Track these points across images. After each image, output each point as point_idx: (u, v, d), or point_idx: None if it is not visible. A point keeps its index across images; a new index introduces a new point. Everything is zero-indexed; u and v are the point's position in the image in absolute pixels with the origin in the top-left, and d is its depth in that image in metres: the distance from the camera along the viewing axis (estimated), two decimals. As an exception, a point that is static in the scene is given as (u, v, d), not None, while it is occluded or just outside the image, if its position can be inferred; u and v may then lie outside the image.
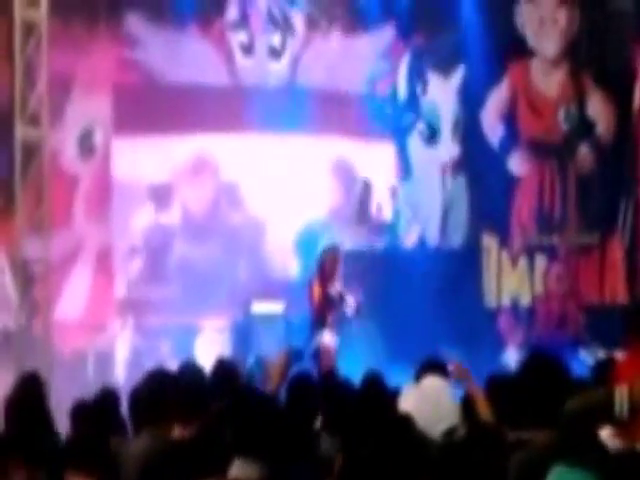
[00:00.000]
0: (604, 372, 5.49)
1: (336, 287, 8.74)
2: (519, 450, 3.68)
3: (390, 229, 10.65)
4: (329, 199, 10.69)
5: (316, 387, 5.67)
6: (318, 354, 8.32)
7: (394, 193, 10.61)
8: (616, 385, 4.18)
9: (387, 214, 10.72)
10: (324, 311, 8.80)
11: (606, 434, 4.08)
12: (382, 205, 10.59)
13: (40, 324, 9.42)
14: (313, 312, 8.86)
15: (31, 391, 6.13)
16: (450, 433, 4.33)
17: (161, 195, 10.15)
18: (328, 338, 8.84)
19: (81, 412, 5.54)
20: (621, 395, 3.97)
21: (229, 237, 10.32)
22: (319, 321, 8.81)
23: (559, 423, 3.68)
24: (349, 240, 10.39)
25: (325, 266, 8.77)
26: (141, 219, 10.14)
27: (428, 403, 4.98)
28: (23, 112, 9.14)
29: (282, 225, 10.23)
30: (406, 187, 10.67)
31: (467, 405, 5.13)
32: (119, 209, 10.07)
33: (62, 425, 5.61)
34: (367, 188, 10.50)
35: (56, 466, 3.94)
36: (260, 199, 10.38)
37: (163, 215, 10.20)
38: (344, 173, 10.59)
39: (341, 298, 8.60)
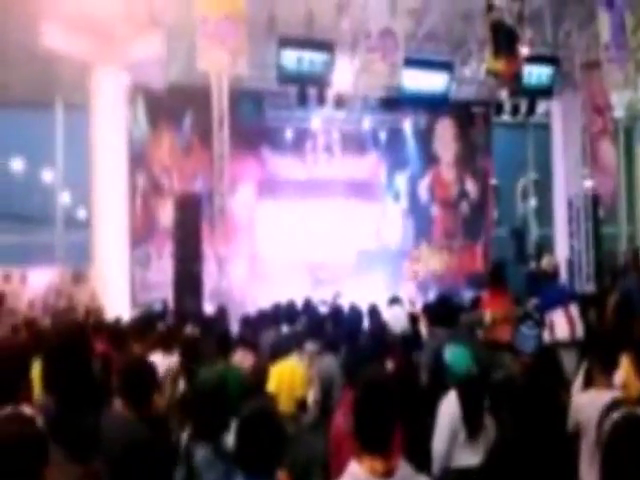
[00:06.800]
0: (476, 303, 6.66)
1: None
2: (432, 339, 4.45)
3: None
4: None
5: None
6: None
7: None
8: (483, 309, 5.78)
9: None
10: None
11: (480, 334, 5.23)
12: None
13: (225, 281, 11.07)
14: None
15: (222, 311, 8.41)
16: (404, 332, 5.82)
17: (277, 228, 13.20)
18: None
19: (247, 319, 7.27)
20: (486, 314, 5.46)
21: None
22: None
23: (456, 326, 4.53)
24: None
25: None
26: (268, 239, 13.25)
27: (395, 318, 7.40)
28: (217, 191, 10.98)
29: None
30: (385, 223, 14.29)
31: (413, 318, 6.98)
32: (260, 234, 13.25)
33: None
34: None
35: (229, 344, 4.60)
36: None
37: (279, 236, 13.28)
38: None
39: None
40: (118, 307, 9.85)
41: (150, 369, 2.86)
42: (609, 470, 1.71)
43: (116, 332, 5.27)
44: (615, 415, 1.87)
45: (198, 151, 12.24)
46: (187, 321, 6.39)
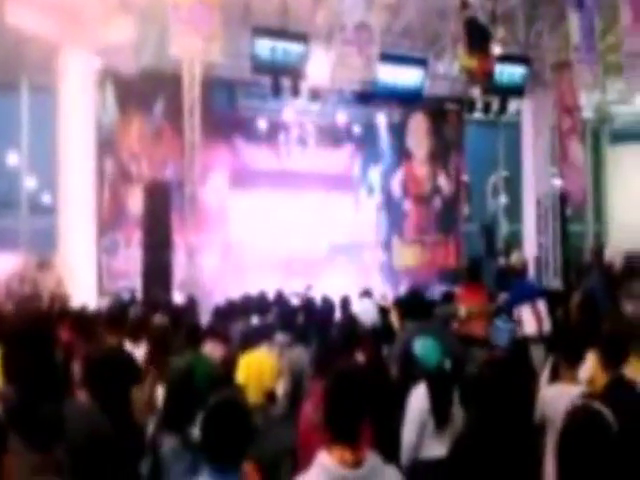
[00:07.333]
0: (447, 297, 6.58)
1: None
2: (404, 331, 4.26)
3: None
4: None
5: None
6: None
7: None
8: (457, 303, 5.68)
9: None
10: None
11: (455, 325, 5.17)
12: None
13: (195, 271, 11.07)
14: None
15: (192, 302, 8.20)
16: (374, 325, 5.67)
17: (250, 219, 13.03)
18: None
19: (218, 309, 7.09)
20: (460, 308, 5.44)
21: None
22: None
23: (431, 318, 4.40)
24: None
25: None
26: (240, 229, 13.09)
27: (365, 310, 7.53)
28: (188, 179, 11.01)
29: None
30: (358, 217, 14.22)
31: (383, 311, 6.74)
32: (232, 224, 12.98)
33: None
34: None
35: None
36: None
37: (251, 227, 13.03)
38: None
39: None
40: (84, 295, 9.64)
41: (129, 360, 2.83)
42: (564, 460, 1.72)
43: (81, 320, 5.07)
44: (572, 406, 1.88)
45: (169, 138, 12.03)
46: (156, 311, 6.18)
